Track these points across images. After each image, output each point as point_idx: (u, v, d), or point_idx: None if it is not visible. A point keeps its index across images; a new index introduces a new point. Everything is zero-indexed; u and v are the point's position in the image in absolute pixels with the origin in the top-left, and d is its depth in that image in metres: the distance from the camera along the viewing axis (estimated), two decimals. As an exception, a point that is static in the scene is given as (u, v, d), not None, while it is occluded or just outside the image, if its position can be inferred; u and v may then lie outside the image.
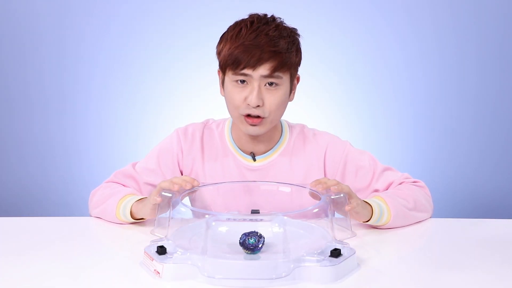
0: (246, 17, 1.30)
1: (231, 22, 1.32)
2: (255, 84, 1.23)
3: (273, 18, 1.28)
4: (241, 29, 1.25)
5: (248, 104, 1.24)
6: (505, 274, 0.99)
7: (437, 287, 0.94)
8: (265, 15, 1.28)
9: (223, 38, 1.29)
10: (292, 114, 1.54)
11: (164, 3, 2.54)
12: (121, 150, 2.58)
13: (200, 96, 2.52)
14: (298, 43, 1.30)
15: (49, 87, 2.60)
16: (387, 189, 1.33)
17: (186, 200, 1.31)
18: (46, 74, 2.59)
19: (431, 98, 2.56)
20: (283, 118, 1.41)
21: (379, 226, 1.22)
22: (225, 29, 1.32)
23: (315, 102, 2.51)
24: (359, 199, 1.16)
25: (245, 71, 1.22)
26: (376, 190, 1.34)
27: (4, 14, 2.54)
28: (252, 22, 1.25)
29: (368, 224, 1.22)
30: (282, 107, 1.29)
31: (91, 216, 1.35)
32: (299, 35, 1.31)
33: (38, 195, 2.62)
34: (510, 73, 2.52)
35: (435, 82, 2.55)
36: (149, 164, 1.39)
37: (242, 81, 1.24)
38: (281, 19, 1.30)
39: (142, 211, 1.21)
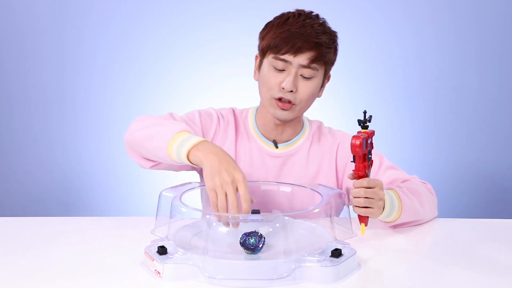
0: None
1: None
2: (292, 70, 1.27)
3: (317, 16, 1.33)
4: (288, 17, 1.30)
5: (283, 88, 1.27)
6: (505, 274, 0.99)
7: (437, 287, 0.94)
8: (311, 11, 1.33)
9: (268, 24, 1.33)
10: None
11: (164, 3, 2.54)
12: (121, 150, 2.56)
13: (200, 96, 2.52)
14: (337, 44, 1.34)
15: (49, 87, 2.60)
16: (390, 184, 1.33)
17: (187, 200, 1.31)
18: (46, 74, 2.59)
19: (431, 98, 2.56)
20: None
21: (386, 221, 1.22)
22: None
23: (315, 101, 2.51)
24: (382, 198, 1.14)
25: (286, 56, 1.26)
26: None
27: (4, 14, 2.54)
28: (299, 14, 1.30)
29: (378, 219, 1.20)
30: (312, 98, 1.33)
31: (126, 140, 1.30)
32: (338, 38, 1.34)
33: (38, 195, 2.62)
34: (510, 73, 2.52)
35: (434, 81, 2.55)
36: (191, 117, 1.38)
37: (280, 70, 1.28)
38: (325, 19, 1.33)
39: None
